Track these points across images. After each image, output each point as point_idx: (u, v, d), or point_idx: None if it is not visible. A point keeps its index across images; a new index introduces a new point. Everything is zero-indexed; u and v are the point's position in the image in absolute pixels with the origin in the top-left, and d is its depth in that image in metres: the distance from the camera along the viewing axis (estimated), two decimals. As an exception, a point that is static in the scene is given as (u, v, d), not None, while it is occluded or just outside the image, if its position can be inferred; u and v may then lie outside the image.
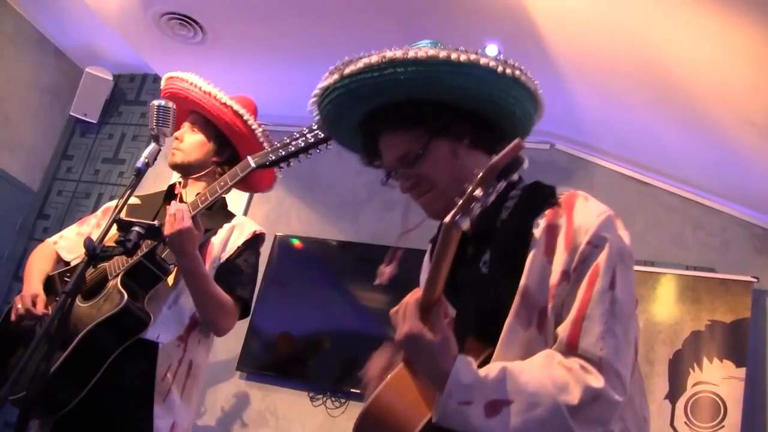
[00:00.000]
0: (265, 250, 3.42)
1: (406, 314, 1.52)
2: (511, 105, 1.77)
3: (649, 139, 4.64)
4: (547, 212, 1.63)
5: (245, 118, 2.95)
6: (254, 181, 2.76)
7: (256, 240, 3.02)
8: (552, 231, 1.60)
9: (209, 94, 2.96)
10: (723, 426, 3.95)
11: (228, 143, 3.03)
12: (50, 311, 2.66)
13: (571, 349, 1.49)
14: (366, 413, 1.57)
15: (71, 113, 6.62)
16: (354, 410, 4.89)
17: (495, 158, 1.38)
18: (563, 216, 1.61)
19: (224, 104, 2.95)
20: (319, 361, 5.21)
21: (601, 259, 1.53)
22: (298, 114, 4.93)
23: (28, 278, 2.89)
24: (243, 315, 2.91)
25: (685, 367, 4.16)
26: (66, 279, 2.85)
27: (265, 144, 2.94)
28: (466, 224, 1.41)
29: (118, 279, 2.61)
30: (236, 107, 2.95)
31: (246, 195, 5.77)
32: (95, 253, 2.13)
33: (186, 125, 3.05)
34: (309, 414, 5.02)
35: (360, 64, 1.77)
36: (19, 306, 2.72)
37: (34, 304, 2.71)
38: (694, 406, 4.06)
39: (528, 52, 4.12)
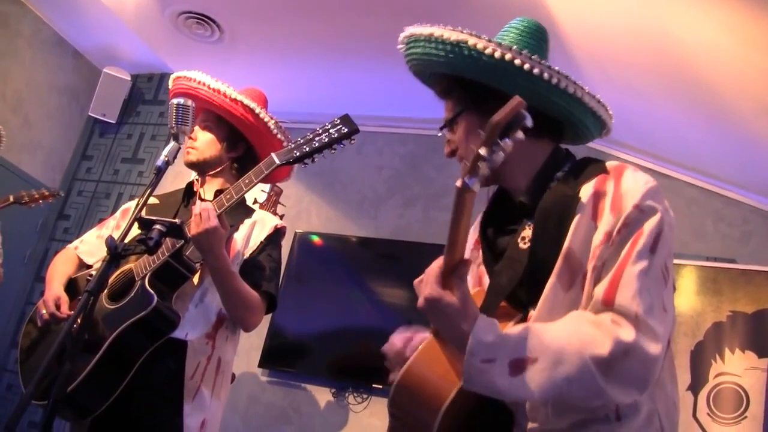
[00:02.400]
0: (285, 248, 3.42)
1: (427, 280, 1.51)
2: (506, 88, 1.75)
3: (668, 131, 4.63)
4: (596, 178, 1.64)
5: (256, 111, 2.94)
6: (273, 173, 2.75)
7: (277, 234, 3.02)
8: (599, 196, 1.61)
9: (218, 91, 2.94)
10: (746, 417, 3.95)
11: (241, 138, 3.02)
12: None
13: (606, 305, 1.48)
14: (399, 386, 1.57)
15: (90, 114, 6.66)
16: (376, 405, 4.91)
17: (495, 116, 1.37)
18: (611, 182, 1.62)
19: (233, 99, 2.93)
20: (341, 358, 5.22)
21: (648, 225, 1.53)
22: (317, 111, 4.98)
23: (49, 282, 2.89)
24: (270, 309, 2.92)
25: (707, 358, 4.16)
26: (89, 279, 2.85)
27: (279, 135, 2.94)
28: (476, 186, 1.41)
29: (146, 279, 2.62)
30: (246, 101, 2.94)
31: (266, 193, 5.79)
32: (117, 251, 2.12)
33: (197, 123, 3.05)
34: (331, 410, 5.04)
35: (408, 33, 1.88)
36: (44, 311, 2.72)
37: (57, 307, 2.72)
38: (716, 398, 4.05)
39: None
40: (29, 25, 6.19)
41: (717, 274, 4.36)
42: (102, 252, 2.94)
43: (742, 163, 4.50)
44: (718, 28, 3.49)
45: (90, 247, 3.10)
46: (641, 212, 1.54)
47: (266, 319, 4.17)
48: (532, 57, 1.69)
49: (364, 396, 4.98)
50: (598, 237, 1.56)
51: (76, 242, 3.16)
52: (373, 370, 4.98)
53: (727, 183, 4.78)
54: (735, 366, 4.09)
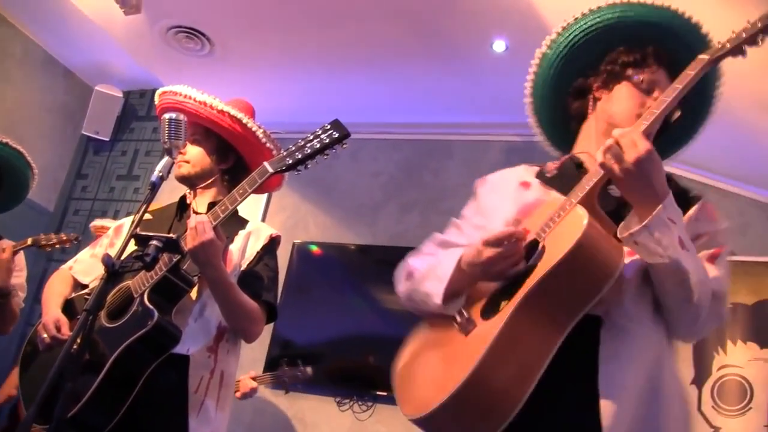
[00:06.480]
0: (284, 258, 3.42)
1: (636, 140, 1.64)
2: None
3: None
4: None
5: (244, 121, 2.93)
6: (266, 182, 2.74)
7: (272, 243, 3.01)
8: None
9: (204, 103, 2.93)
10: (750, 408, 3.95)
11: (231, 149, 3.02)
12: (74, 333, 2.64)
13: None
14: (579, 245, 1.65)
15: (83, 132, 6.66)
16: (381, 413, 4.90)
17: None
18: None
19: (220, 111, 2.92)
20: (344, 366, 5.22)
21: (725, 245, 1.94)
22: (309, 120, 4.96)
23: (46, 305, 2.87)
24: (270, 319, 2.92)
25: (709, 350, 4.16)
26: (86, 299, 2.83)
27: (268, 144, 2.94)
28: None
29: (145, 295, 2.61)
30: (233, 112, 2.93)
31: (263, 204, 5.79)
32: (114, 269, 2.11)
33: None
34: (336, 419, 5.04)
35: None
36: (44, 335, 2.70)
37: (58, 329, 2.70)
38: (720, 390, 4.05)
39: (536, 46, 4.10)
40: (19, 46, 6.18)
41: (716, 267, 4.36)
42: (96, 271, 2.93)
43: (738, 155, 4.50)
44: (710, 21, 3.48)
45: (84, 266, 3.09)
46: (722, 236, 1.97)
47: (268, 330, 4.17)
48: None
49: (369, 404, 4.97)
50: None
51: (70, 262, 3.14)
52: (376, 378, 4.98)
53: (722, 175, 4.78)
54: (737, 358, 4.09)
